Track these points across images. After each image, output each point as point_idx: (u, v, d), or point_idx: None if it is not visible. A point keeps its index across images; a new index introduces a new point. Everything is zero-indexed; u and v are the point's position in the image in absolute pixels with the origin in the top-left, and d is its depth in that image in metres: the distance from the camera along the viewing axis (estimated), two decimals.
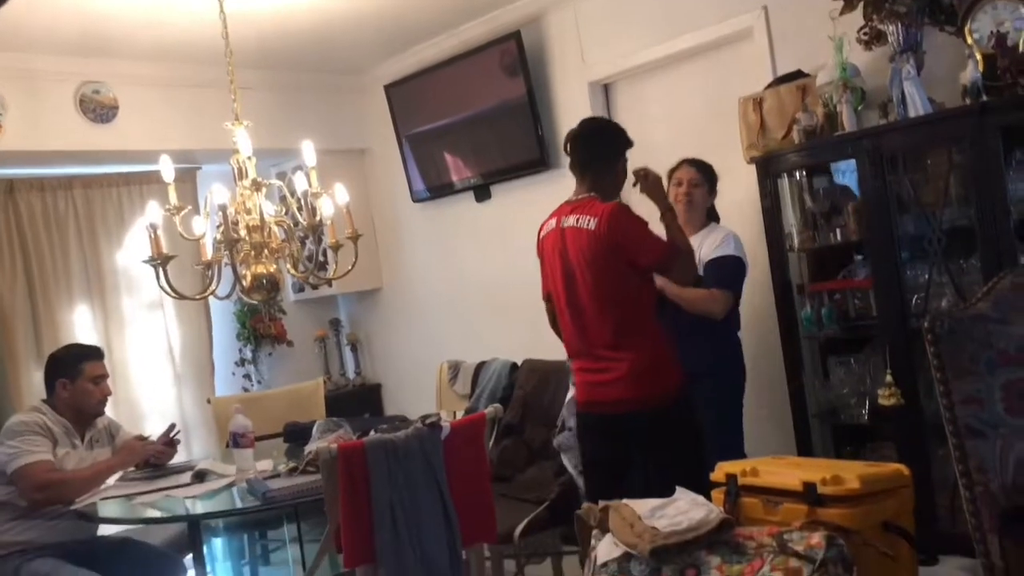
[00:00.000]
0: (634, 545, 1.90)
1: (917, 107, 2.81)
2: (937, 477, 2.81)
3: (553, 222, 2.84)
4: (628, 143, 2.87)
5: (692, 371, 3.07)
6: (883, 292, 2.94)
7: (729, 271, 3.14)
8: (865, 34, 3.01)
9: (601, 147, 2.83)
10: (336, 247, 3.25)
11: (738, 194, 3.61)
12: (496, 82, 4.39)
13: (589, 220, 2.71)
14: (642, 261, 2.68)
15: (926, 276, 2.89)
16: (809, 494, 2.02)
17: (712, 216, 3.35)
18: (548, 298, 2.95)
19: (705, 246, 3.18)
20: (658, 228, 2.81)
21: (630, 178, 2.87)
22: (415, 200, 5.07)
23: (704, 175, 3.28)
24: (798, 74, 3.28)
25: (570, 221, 2.75)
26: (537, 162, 4.33)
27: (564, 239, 2.77)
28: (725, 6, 3.60)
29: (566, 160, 4.24)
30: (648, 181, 2.83)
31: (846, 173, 3.18)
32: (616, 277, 2.69)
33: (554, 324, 2.97)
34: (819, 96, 3.14)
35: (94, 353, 3.21)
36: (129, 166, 4.73)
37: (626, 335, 2.70)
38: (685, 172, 3.30)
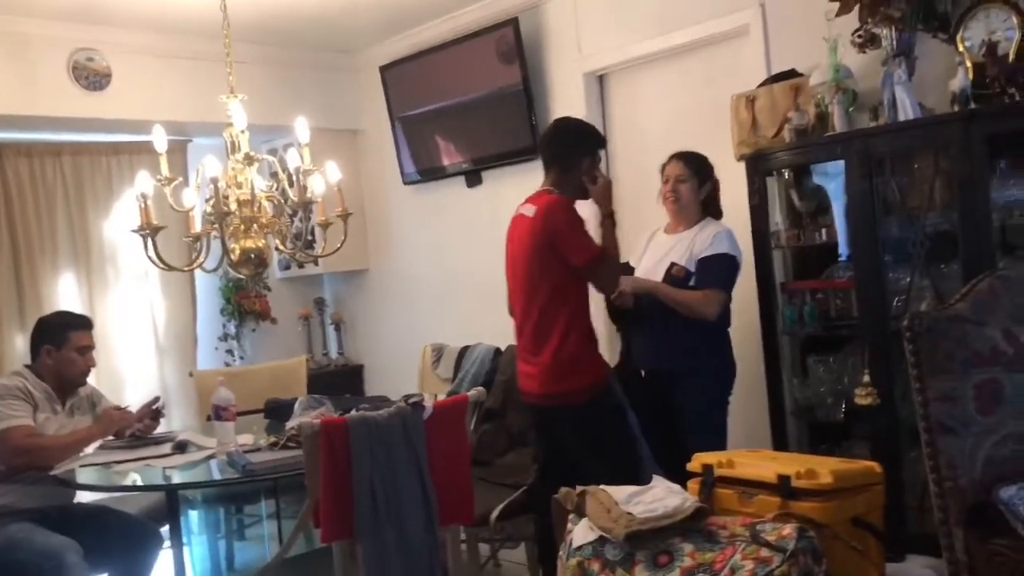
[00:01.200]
0: (609, 529, 1.93)
1: (907, 111, 2.84)
2: (908, 478, 2.86)
3: (516, 210, 2.95)
4: (595, 146, 2.95)
5: (681, 369, 3.10)
6: (865, 293, 2.97)
7: (722, 270, 3.05)
8: (859, 37, 3.04)
9: (563, 147, 2.91)
10: (325, 225, 3.26)
11: (727, 190, 3.63)
12: (492, 68, 4.39)
13: (532, 210, 2.82)
14: (574, 260, 2.72)
15: (908, 279, 2.93)
16: (783, 487, 2.05)
17: (712, 211, 3.22)
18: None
19: (697, 243, 3.10)
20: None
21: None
22: (406, 183, 5.07)
23: (692, 168, 3.17)
24: (792, 73, 3.31)
25: (522, 210, 2.88)
26: (529, 150, 4.33)
27: (515, 228, 2.91)
28: (723, 3, 3.62)
29: None
30: (597, 186, 2.89)
31: (834, 175, 3.21)
32: (545, 272, 2.77)
33: (511, 309, 3.05)
34: (812, 96, 3.17)
35: (82, 323, 3.20)
36: (119, 135, 4.71)
37: (548, 330, 2.78)
38: (672, 168, 3.21)
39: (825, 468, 2.08)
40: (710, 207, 3.23)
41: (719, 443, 3.08)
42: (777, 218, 3.30)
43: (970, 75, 2.75)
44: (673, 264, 3.11)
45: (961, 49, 2.83)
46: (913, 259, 2.91)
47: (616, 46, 4.07)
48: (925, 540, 2.62)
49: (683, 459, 2.98)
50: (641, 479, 2.26)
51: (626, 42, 4.02)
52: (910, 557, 2.72)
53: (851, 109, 3.07)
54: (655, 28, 3.89)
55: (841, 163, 3.01)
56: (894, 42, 2.93)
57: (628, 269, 3.29)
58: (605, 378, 2.81)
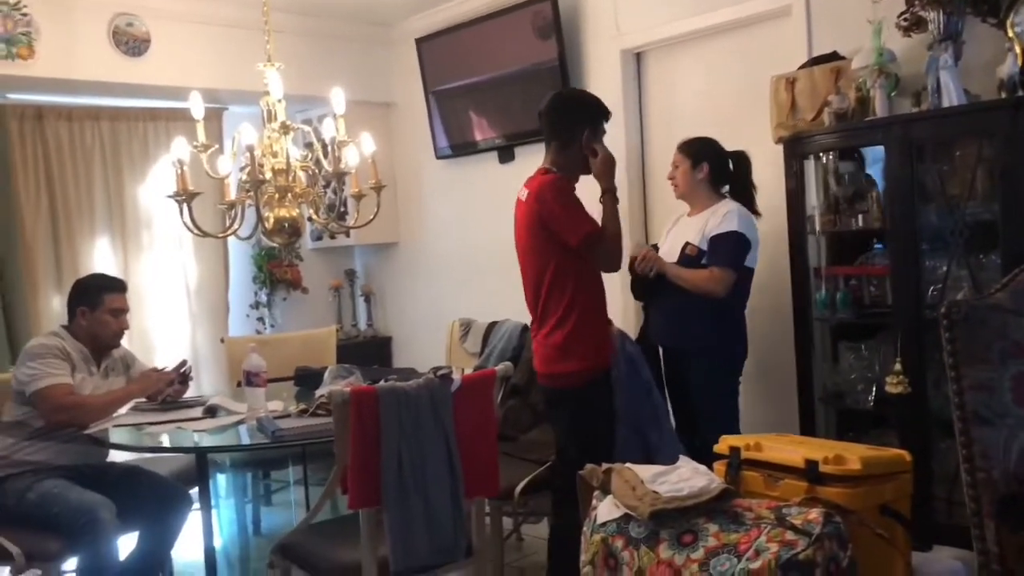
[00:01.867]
0: (634, 507, 1.94)
1: (952, 97, 2.79)
2: (937, 468, 2.84)
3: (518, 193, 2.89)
4: (595, 116, 2.83)
5: (691, 347, 3.14)
6: (900, 281, 2.94)
7: (730, 248, 3.10)
8: (905, 20, 2.98)
9: (561, 119, 2.82)
10: (359, 196, 3.27)
11: (763, 173, 3.60)
12: (527, 43, 4.37)
13: (526, 193, 2.79)
14: (569, 240, 2.68)
15: (944, 268, 2.89)
16: (810, 472, 2.05)
17: (740, 191, 3.27)
18: None
19: (710, 222, 3.16)
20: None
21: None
22: (438, 157, 5.07)
23: (685, 153, 3.28)
24: (833, 56, 3.26)
25: (519, 194, 2.85)
26: None
27: (516, 211, 2.89)
28: None
29: None
30: (597, 160, 2.80)
31: (873, 160, 3.17)
32: (544, 254, 2.75)
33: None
34: (853, 80, 3.12)
35: (117, 285, 3.24)
36: (156, 101, 4.74)
37: (548, 312, 2.78)
38: (673, 157, 3.34)
39: (854, 454, 2.08)
40: (736, 187, 3.29)
41: (730, 421, 3.17)
42: (814, 202, 3.26)
43: (1019, 61, 2.70)
44: (687, 244, 3.19)
45: (1011, 34, 2.76)
46: (951, 248, 2.87)
47: (654, 24, 4.02)
48: (953, 531, 2.60)
49: (696, 436, 3.12)
50: None
51: (664, 20, 3.97)
52: (937, 548, 2.70)
53: (893, 94, 3.02)
54: (694, 6, 3.84)
55: (881, 148, 2.97)
56: (941, 26, 2.87)
57: (653, 251, 3.35)
58: (594, 369, 2.74)
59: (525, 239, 2.83)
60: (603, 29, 4.23)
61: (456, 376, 2.54)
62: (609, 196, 2.80)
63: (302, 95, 4.37)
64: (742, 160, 3.31)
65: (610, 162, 2.81)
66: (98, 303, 3.15)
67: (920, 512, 2.38)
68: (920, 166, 2.91)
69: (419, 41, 4.92)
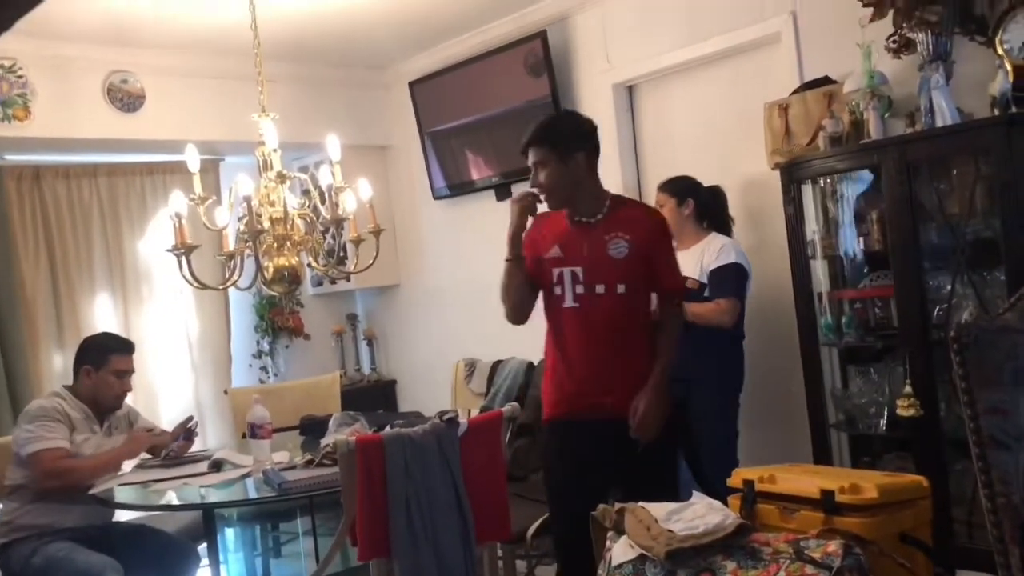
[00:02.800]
0: (650, 548, 1.90)
1: (945, 117, 2.79)
2: (955, 491, 2.79)
3: None
4: (581, 142, 2.59)
5: (695, 377, 3.17)
6: (905, 302, 2.91)
7: (732, 279, 3.24)
8: (894, 42, 2.99)
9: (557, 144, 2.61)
10: (357, 241, 3.27)
11: (761, 200, 3.60)
12: (520, 81, 4.39)
13: None
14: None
15: (949, 287, 2.87)
16: (826, 502, 2.01)
17: (720, 225, 3.43)
18: None
19: (706, 256, 3.30)
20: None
21: None
22: (435, 197, 5.08)
23: (669, 192, 3.43)
24: (825, 80, 3.27)
25: None
26: None
27: None
28: (753, 10, 3.59)
29: None
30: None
31: (870, 182, 3.17)
32: None
33: None
34: (846, 103, 3.12)
35: (124, 347, 3.23)
36: (153, 155, 4.77)
37: None
38: (656, 199, 3.48)
39: (870, 482, 2.04)
40: (715, 220, 3.44)
41: (731, 449, 3.27)
42: (813, 227, 3.26)
43: (1011, 77, 2.70)
44: (687, 278, 3.22)
45: (1000, 52, 2.77)
46: (954, 266, 2.85)
47: (645, 56, 4.05)
48: (976, 555, 2.55)
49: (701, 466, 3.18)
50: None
51: (655, 52, 3.99)
52: (960, 572, 2.65)
53: (887, 115, 3.03)
54: (684, 38, 3.86)
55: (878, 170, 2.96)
56: (930, 46, 2.88)
57: None
58: (547, 417, 2.68)
59: None
60: (594, 63, 4.26)
61: (462, 419, 2.52)
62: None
63: (298, 142, 4.39)
64: (718, 194, 3.50)
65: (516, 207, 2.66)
66: (103, 363, 3.14)
67: (941, 537, 2.34)
68: (918, 186, 2.90)
69: (412, 84, 4.95)
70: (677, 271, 2.68)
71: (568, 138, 2.56)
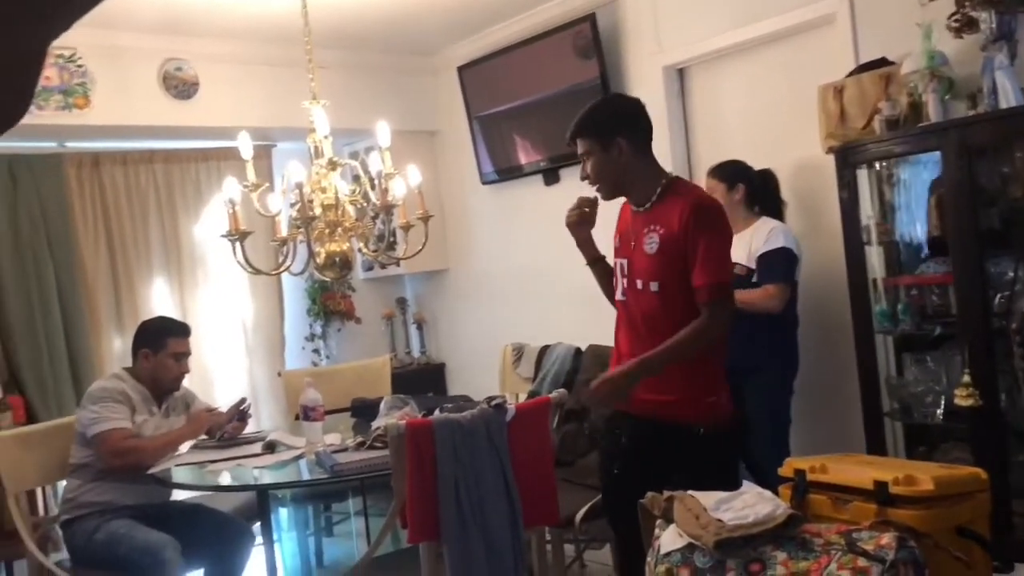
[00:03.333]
0: (699, 536, 1.89)
1: (1009, 98, 2.70)
2: (1015, 483, 2.73)
3: None
4: (620, 125, 2.43)
5: (748, 365, 3.15)
6: (964, 289, 2.85)
7: (782, 264, 3.20)
8: (956, 21, 2.90)
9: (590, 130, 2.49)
10: (407, 227, 3.29)
11: (814, 185, 3.54)
12: (569, 65, 4.36)
13: None
14: None
15: (1011, 273, 2.79)
16: (880, 493, 1.98)
17: (771, 208, 3.40)
18: None
19: (755, 241, 3.27)
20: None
21: None
22: (484, 182, 5.09)
23: (718, 177, 3.39)
24: (882, 62, 3.19)
25: None
26: None
27: None
28: None
29: None
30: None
31: (928, 165, 3.09)
32: None
33: None
34: (904, 85, 3.04)
35: (180, 330, 3.30)
36: (207, 142, 4.85)
37: None
38: (705, 184, 3.41)
39: (925, 474, 2.00)
40: (767, 204, 3.40)
41: (783, 436, 3.25)
42: (869, 212, 3.19)
43: None
44: (734, 264, 3.17)
45: None
46: (1016, 252, 2.77)
47: (696, 38, 3.99)
48: None
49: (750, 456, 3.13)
50: None
51: (706, 34, 3.93)
52: (1020, 567, 2.60)
53: (947, 97, 2.94)
54: (736, 19, 3.79)
55: (936, 154, 2.88)
56: (994, 25, 2.79)
57: None
58: None
59: None
60: (644, 46, 4.21)
61: (510, 405, 2.53)
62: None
63: (348, 128, 4.42)
64: (769, 178, 3.45)
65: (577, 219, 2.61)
66: (161, 346, 3.21)
67: (999, 530, 2.29)
68: (979, 170, 2.82)
69: (461, 68, 4.95)
70: (712, 266, 2.31)
71: (607, 124, 2.43)
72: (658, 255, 2.35)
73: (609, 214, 2.59)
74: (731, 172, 3.39)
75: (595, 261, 2.64)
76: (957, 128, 2.80)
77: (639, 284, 2.40)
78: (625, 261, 2.48)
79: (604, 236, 2.60)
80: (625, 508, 2.27)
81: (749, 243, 3.28)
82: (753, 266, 3.25)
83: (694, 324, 2.31)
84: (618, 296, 2.52)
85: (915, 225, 3.11)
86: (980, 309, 2.80)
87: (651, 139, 2.49)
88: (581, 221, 2.58)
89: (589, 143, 2.44)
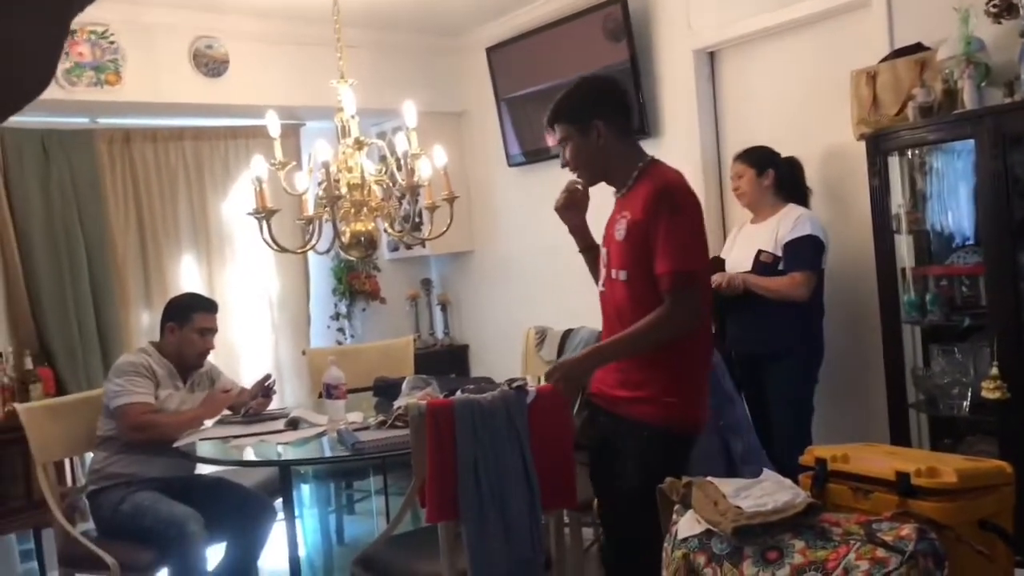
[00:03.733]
0: (717, 523, 1.88)
1: None
2: None
3: None
4: (597, 108, 2.31)
5: (773, 352, 3.15)
6: (995, 280, 2.80)
7: (808, 251, 3.20)
8: (995, 6, 2.84)
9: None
10: (432, 208, 3.29)
11: (844, 172, 3.50)
12: (599, 47, 4.33)
13: None
14: None
15: None
16: (902, 484, 1.96)
17: (795, 195, 3.38)
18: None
19: (781, 228, 3.26)
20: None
21: None
22: (510, 164, 5.07)
23: (748, 162, 3.38)
24: (917, 47, 3.13)
25: None
26: (636, 130, 4.26)
27: None
28: None
29: (666, 127, 4.21)
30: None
31: (962, 154, 3.04)
32: None
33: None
34: (939, 71, 2.98)
35: (207, 306, 3.34)
36: (236, 120, 4.87)
37: None
38: (732, 168, 3.45)
39: (949, 466, 1.98)
40: (792, 192, 3.39)
41: (803, 428, 3.24)
42: (899, 200, 3.14)
43: None
44: (760, 251, 3.29)
45: None
46: None
47: (727, 21, 3.93)
48: None
49: (772, 444, 3.12)
50: None
51: (738, 17, 3.88)
52: None
53: (983, 84, 2.88)
54: (769, 2, 3.74)
55: (970, 142, 2.83)
56: None
57: (718, 262, 3.47)
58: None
59: None
60: (675, 28, 4.16)
61: (531, 387, 2.53)
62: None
63: (376, 108, 4.42)
64: (795, 165, 3.44)
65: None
66: (187, 321, 3.25)
67: (1023, 525, 2.26)
68: (1014, 159, 2.76)
69: (489, 50, 4.93)
70: (674, 252, 2.17)
71: (583, 107, 2.32)
72: (625, 242, 2.26)
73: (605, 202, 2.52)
74: (760, 157, 3.38)
75: (587, 249, 2.57)
76: (993, 116, 2.74)
77: (614, 273, 2.32)
78: (606, 250, 2.40)
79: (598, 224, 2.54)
80: (603, 495, 2.38)
81: (776, 230, 3.27)
82: (780, 253, 3.23)
83: (652, 314, 2.19)
84: (599, 287, 2.44)
85: (947, 214, 3.06)
86: (1012, 301, 2.75)
87: (631, 121, 2.42)
88: (568, 205, 2.51)
89: (567, 128, 2.35)
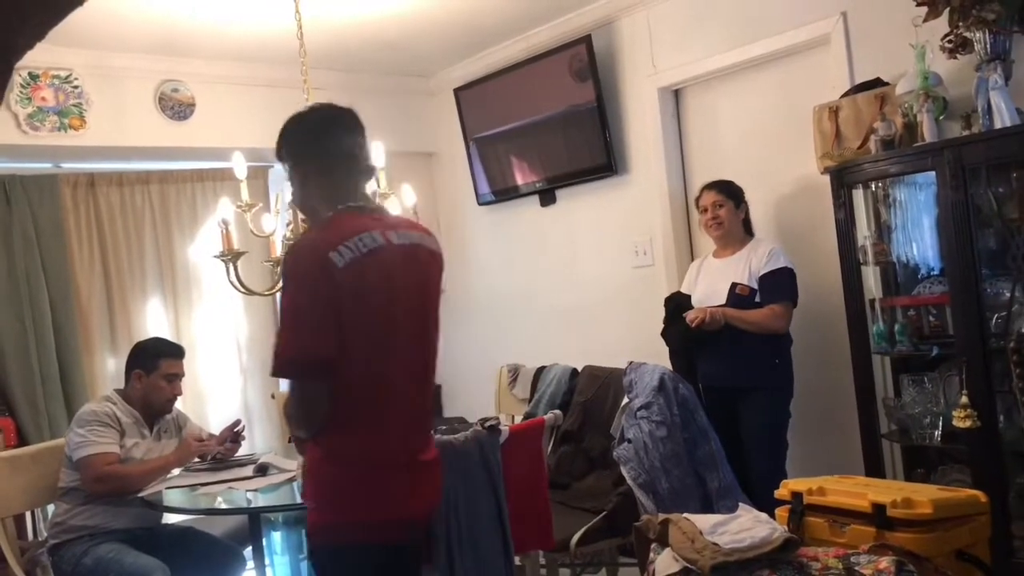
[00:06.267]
0: (694, 561, 1.86)
1: (1004, 118, 2.70)
2: (1015, 506, 2.70)
3: (379, 236, 1.96)
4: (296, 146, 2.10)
5: (750, 384, 3.15)
6: (961, 309, 2.83)
7: (786, 283, 3.24)
8: (949, 42, 2.91)
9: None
10: None
11: (810, 205, 3.54)
12: (565, 86, 4.37)
13: (425, 238, 2.16)
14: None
15: (1008, 294, 2.77)
16: (878, 516, 1.96)
17: (748, 229, 3.45)
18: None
19: (754, 261, 3.29)
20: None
21: None
22: (480, 203, 5.08)
23: (725, 193, 3.40)
24: (877, 82, 3.19)
25: (410, 236, 2.10)
26: (604, 167, 4.30)
27: (420, 261, 2.16)
28: (802, 12, 3.52)
29: (634, 166, 4.25)
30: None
31: (924, 186, 3.08)
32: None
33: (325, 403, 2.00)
34: (898, 105, 3.04)
35: (174, 351, 3.28)
36: (203, 163, 4.84)
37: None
38: (707, 197, 3.43)
39: (924, 496, 1.98)
40: (747, 228, 3.46)
41: (779, 459, 3.23)
42: (865, 232, 3.18)
43: None
44: (736, 284, 3.30)
45: None
46: (1013, 273, 2.75)
47: (691, 60, 3.99)
48: None
49: (746, 474, 3.13)
50: None
51: (701, 56, 3.94)
52: None
53: (941, 117, 2.94)
54: (731, 41, 3.80)
55: (931, 174, 2.88)
56: (988, 46, 2.79)
57: (684, 298, 3.49)
58: None
59: (436, 302, 2.22)
60: (640, 67, 4.22)
61: (504, 427, 2.50)
62: None
63: None
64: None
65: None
66: (153, 367, 3.19)
67: (1000, 555, 2.26)
68: (974, 190, 2.81)
69: (458, 91, 4.96)
70: (280, 334, 1.92)
71: (281, 149, 2.12)
72: None
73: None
74: (736, 191, 3.44)
75: None
76: (952, 148, 2.79)
77: None
78: None
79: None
80: None
81: (747, 263, 3.30)
82: (755, 286, 3.25)
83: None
84: None
85: (912, 245, 3.10)
86: (977, 330, 2.78)
87: (339, 157, 2.05)
88: None
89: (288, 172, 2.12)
